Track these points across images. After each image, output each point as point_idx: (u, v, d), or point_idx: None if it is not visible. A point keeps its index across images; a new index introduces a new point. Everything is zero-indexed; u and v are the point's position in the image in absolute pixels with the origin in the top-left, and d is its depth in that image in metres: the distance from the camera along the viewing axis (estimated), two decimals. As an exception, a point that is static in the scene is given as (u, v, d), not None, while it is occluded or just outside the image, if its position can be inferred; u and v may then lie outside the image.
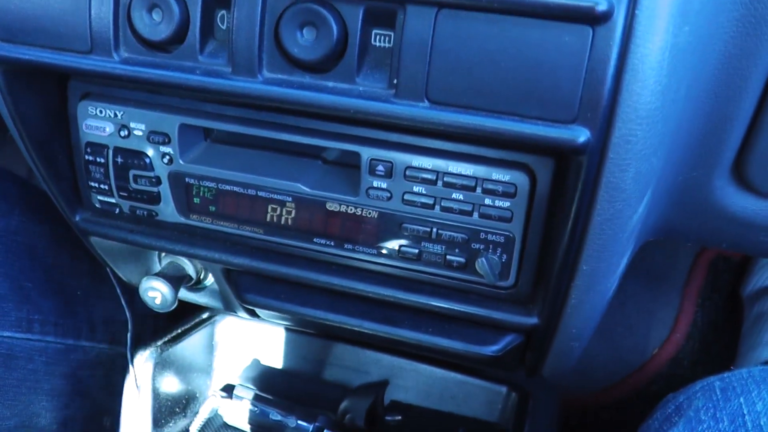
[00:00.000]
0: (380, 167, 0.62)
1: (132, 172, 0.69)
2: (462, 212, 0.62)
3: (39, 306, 0.90)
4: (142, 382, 0.89)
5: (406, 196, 0.62)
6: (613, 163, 0.52)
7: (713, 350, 1.37)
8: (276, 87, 0.57)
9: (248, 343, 1.02)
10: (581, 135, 0.51)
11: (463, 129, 0.54)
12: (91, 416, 0.98)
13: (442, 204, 0.62)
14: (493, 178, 0.60)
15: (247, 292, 0.76)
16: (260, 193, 0.67)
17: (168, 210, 0.71)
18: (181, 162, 0.67)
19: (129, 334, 0.92)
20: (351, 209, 0.65)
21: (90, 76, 0.65)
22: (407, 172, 0.61)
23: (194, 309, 0.97)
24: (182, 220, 0.71)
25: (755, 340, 1.20)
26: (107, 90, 0.68)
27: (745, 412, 0.56)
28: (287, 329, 0.99)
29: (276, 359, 1.02)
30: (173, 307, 0.77)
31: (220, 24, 0.59)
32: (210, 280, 0.83)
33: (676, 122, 0.55)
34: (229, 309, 0.84)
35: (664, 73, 0.50)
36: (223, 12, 0.59)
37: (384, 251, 0.66)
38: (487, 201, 0.61)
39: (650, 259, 1.42)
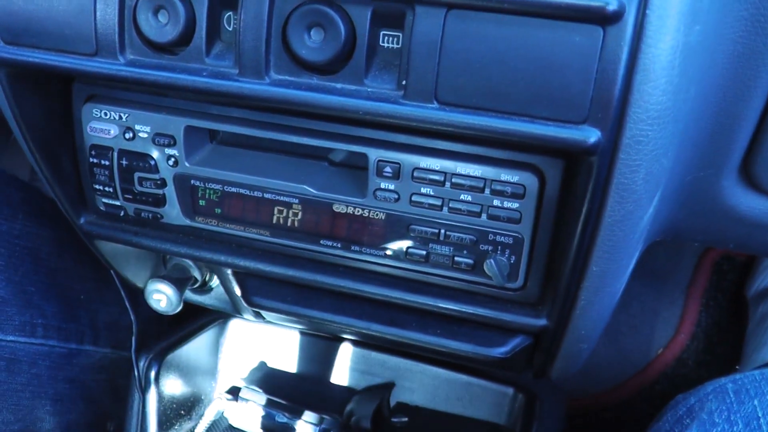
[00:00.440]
0: (388, 169, 0.61)
1: (137, 175, 0.69)
2: (470, 213, 0.61)
3: (42, 310, 0.90)
4: (147, 384, 0.89)
5: (413, 198, 0.62)
6: (624, 163, 0.52)
7: (718, 350, 1.37)
8: (283, 89, 0.56)
9: (254, 345, 1.02)
10: (592, 135, 0.50)
11: (472, 130, 0.53)
12: (95, 421, 0.98)
13: (450, 205, 0.62)
14: (502, 179, 0.59)
15: (253, 294, 0.76)
16: (266, 195, 0.67)
17: (173, 212, 0.71)
18: (186, 164, 0.67)
19: (134, 337, 0.92)
20: (358, 211, 0.65)
21: (95, 79, 0.65)
22: (415, 174, 0.61)
23: (200, 311, 0.96)
24: (188, 222, 0.71)
25: (760, 341, 1.20)
26: (112, 92, 0.68)
27: (760, 414, 0.55)
28: (293, 331, 0.99)
29: (281, 361, 1.02)
30: (178, 310, 0.76)
31: (226, 25, 0.59)
32: (215, 282, 0.82)
33: (686, 121, 0.55)
34: (234, 311, 0.84)
35: (675, 72, 0.49)
36: (230, 13, 0.58)
37: (391, 253, 0.66)
38: (496, 202, 0.60)
39: (655, 260, 1.42)
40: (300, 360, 1.00)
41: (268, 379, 1.00)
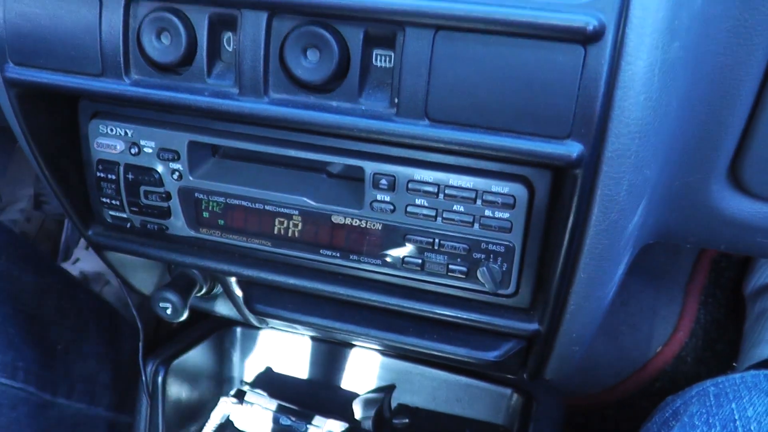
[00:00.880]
0: (383, 181, 0.63)
1: (143, 188, 0.71)
2: (463, 223, 0.63)
3: (23, 354, 0.88)
4: (155, 389, 0.91)
5: (408, 209, 0.64)
6: (607, 176, 0.54)
7: (717, 348, 1.38)
8: (282, 107, 0.59)
9: (258, 349, 1.04)
10: (575, 150, 0.53)
11: (462, 145, 0.55)
12: None
13: (443, 216, 0.64)
14: (493, 190, 0.61)
15: (256, 302, 0.78)
16: (267, 207, 0.69)
17: (178, 224, 0.73)
18: (190, 178, 0.69)
19: (140, 343, 0.94)
20: (356, 222, 0.67)
21: (102, 98, 0.67)
22: (409, 186, 0.63)
23: (205, 317, 0.98)
24: (192, 233, 0.73)
25: (757, 338, 1.21)
26: (117, 109, 0.70)
27: (737, 417, 0.57)
28: (296, 335, 1.01)
29: (285, 365, 1.03)
30: (184, 317, 0.79)
31: (226, 46, 0.61)
32: (220, 290, 0.85)
33: (669, 132, 0.57)
34: (238, 318, 0.86)
35: (654, 88, 0.51)
36: (230, 34, 0.61)
37: (388, 261, 0.68)
38: (487, 212, 0.62)
39: (653, 258, 1.42)
40: (303, 363, 1.02)
41: (273, 383, 1.02)
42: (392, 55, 0.57)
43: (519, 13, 0.50)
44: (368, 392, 0.97)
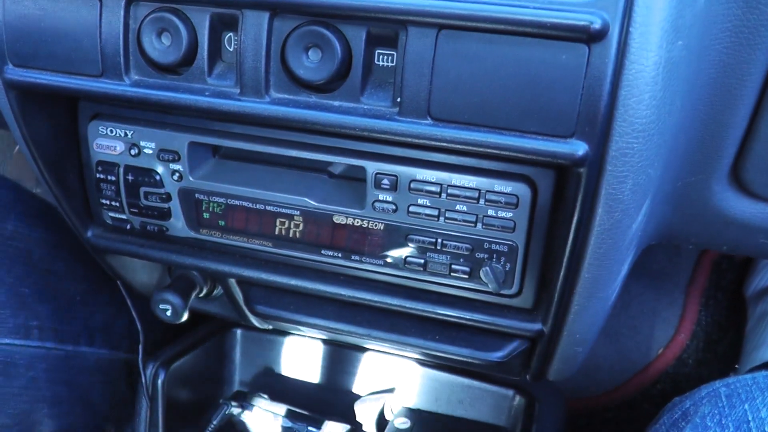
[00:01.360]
0: (385, 181, 0.63)
1: (142, 189, 0.71)
2: (466, 223, 0.63)
3: (37, 312, 0.89)
4: (155, 392, 0.91)
5: (411, 209, 0.64)
6: (612, 175, 0.54)
7: (718, 349, 1.38)
8: (283, 107, 0.58)
9: (259, 351, 1.04)
10: (580, 149, 0.52)
11: (465, 144, 0.55)
12: (94, 424, 0.97)
13: (446, 215, 0.63)
14: (496, 189, 0.61)
15: (257, 303, 0.77)
16: (268, 208, 0.69)
17: (178, 225, 0.73)
18: (190, 179, 0.69)
19: (140, 345, 0.93)
20: (357, 222, 0.67)
21: (101, 99, 0.67)
22: (412, 185, 0.63)
23: (206, 318, 0.98)
24: (192, 234, 0.73)
25: (759, 340, 1.21)
26: (117, 110, 0.70)
27: (750, 419, 0.57)
28: (297, 337, 1.01)
29: (286, 367, 1.03)
30: (184, 318, 0.78)
31: (227, 46, 0.61)
32: (220, 291, 0.84)
33: (672, 132, 0.57)
34: (239, 319, 0.86)
35: (658, 87, 0.51)
36: (230, 34, 0.60)
37: (390, 262, 0.68)
38: (490, 212, 0.62)
39: (654, 260, 1.42)
40: (304, 365, 1.02)
41: (273, 385, 1.02)
42: (394, 54, 0.56)
43: (522, 12, 0.50)
44: (370, 394, 0.97)
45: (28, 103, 0.68)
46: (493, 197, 0.61)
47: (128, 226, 0.75)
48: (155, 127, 0.68)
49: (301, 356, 1.02)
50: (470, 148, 0.55)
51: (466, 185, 0.62)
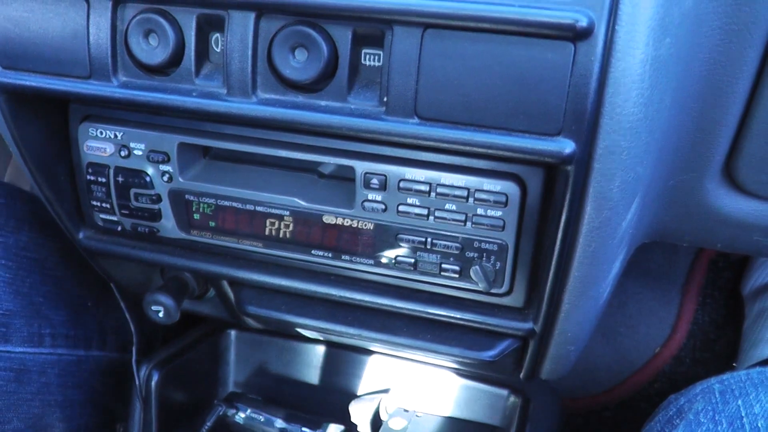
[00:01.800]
0: (374, 180, 0.63)
1: (133, 191, 0.71)
2: (455, 222, 0.63)
3: (50, 320, 0.91)
4: (149, 393, 0.91)
5: (400, 208, 0.64)
6: (599, 172, 0.54)
7: (715, 348, 1.38)
8: (270, 107, 0.58)
9: (253, 352, 1.04)
10: (567, 146, 0.52)
11: (452, 143, 0.55)
12: (104, 424, 0.99)
13: (435, 214, 0.63)
14: (485, 188, 0.61)
15: (248, 304, 0.77)
16: (258, 208, 0.68)
17: (169, 226, 0.73)
18: (180, 180, 0.69)
19: (134, 347, 0.93)
20: (347, 222, 0.66)
21: (90, 101, 0.67)
22: (401, 185, 0.63)
23: (199, 319, 0.98)
24: (183, 235, 0.73)
25: (756, 338, 1.21)
26: (107, 112, 0.70)
27: (743, 414, 0.57)
28: (290, 338, 1.01)
29: (280, 367, 1.03)
30: (177, 319, 0.78)
31: (214, 47, 0.61)
32: (212, 292, 0.84)
33: (662, 130, 0.56)
34: (232, 319, 0.86)
35: (645, 85, 0.51)
36: (217, 35, 0.60)
37: (381, 261, 0.68)
38: (480, 211, 0.62)
39: (650, 259, 1.42)
40: (298, 366, 1.02)
41: (267, 386, 1.02)
42: (381, 53, 0.56)
43: (508, 10, 0.50)
44: (364, 395, 0.97)
45: (18, 105, 0.68)
46: (483, 196, 0.61)
47: (119, 228, 0.75)
48: (145, 128, 0.68)
49: (296, 357, 1.02)
50: (457, 146, 0.55)
51: (455, 184, 0.62)
